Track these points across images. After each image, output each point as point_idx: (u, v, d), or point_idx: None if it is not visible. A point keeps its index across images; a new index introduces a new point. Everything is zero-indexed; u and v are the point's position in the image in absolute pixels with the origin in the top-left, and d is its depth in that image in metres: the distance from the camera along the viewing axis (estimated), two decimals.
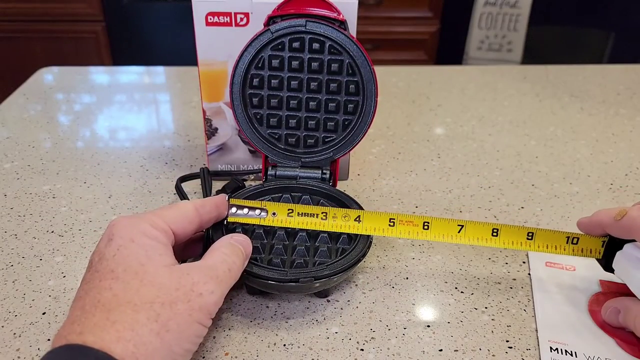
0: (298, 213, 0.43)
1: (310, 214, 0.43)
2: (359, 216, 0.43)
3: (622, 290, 0.44)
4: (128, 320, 0.30)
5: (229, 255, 0.37)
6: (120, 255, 0.33)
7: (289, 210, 0.43)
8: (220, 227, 0.43)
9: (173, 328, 0.31)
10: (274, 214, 0.43)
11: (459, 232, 0.42)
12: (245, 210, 0.43)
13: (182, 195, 0.53)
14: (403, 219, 0.43)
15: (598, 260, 0.42)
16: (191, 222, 0.38)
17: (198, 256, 0.45)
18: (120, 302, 0.31)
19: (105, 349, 0.29)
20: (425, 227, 0.42)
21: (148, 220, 0.35)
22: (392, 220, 0.43)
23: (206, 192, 0.54)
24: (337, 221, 0.43)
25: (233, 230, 0.44)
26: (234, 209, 0.43)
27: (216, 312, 0.34)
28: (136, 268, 0.32)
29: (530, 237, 0.42)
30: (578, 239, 0.42)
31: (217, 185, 0.56)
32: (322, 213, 0.43)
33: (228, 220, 0.43)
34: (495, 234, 0.42)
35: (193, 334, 0.32)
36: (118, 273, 0.32)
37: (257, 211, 0.43)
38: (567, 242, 0.42)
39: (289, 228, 0.45)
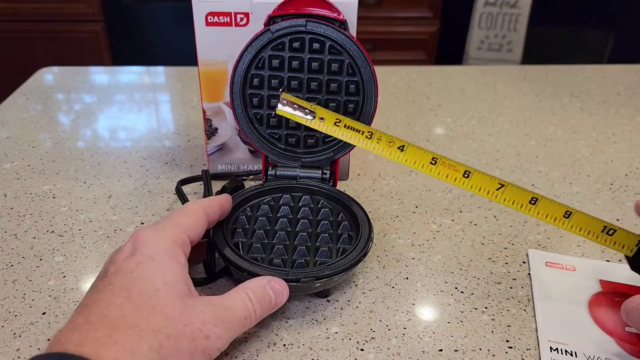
0: (345, 125, 0.43)
1: (357, 129, 0.43)
2: (403, 146, 0.43)
3: (623, 290, 0.44)
4: (130, 343, 0.30)
5: (254, 302, 0.35)
6: (137, 274, 0.32)
7: (336, 119, 0.43)
8: (220, 229, 0.43)
9: None
10: (321, 118, 0.43)
11: (497, 189, 0.41)
12: (295, 107, 0.43)
13: (183, 198, 0.53)
14: (445, 161, 0.42)
15: (627, 257, 0.41)
16: (203, 226, 0.38)
17: (200, 261, 0.45)
18: (127, 324, 0.30)
19: None
20: (466, 175, 0.41)
21: (171, 236, 0.35)
22: (434, 159, 0.42)
23: (208, 194, 0.54)
24: (381, 144, 0.42)
25: (233, 232, 0.44)
26: (284, 102, 0.43)
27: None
28: (150, 292, 0.32)
29: (567, 216, 0.41)
30: (615, 231, 0.40)
31: (217, 185, 0.56)
32: (368, 132, 0.43)
33: (277, 113, 0.44)
34: (533, 202, 0.41)
35: None
36: (132, 293, 0.31)
37: (306, 112, 0.43)
38: (602, 232, 0.40)
39: (289, 228, 0.45)
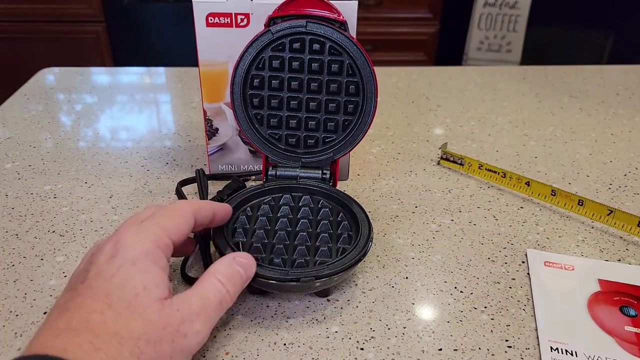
0: (486, 168, 0.57)
1: (495, 171, 0.57)
2: (528, 182, 0.54)
3: (622, 290, 0.44)
4: (112, 351, 0.30)
5: (225, 282, 0.35)
6: (118, 279, 0.32)
7: (479, 165, 0.57)
8: (221, 229, 0.43)
9: None
10: (470, 164, 0.59)
11: (607, 214, 0.50)
12: (451, 158, 0.59)
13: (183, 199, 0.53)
14: (563, 192, 0.52)
15: None
16: (188, 229, 0.38)
17: (187, 255, 0.45)
18: (109, 330, 0.30)
19: None
20: (580, 203, 0.52)
21: (154, 239, 0.34)
22: (554, 192, 0.53)
23: (202, 193, 0.54)
24: (512, 182, 0.56)
25: (234, 231, 0.44)
26: (444, 156, 0.58)
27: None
28: (130, 298, 0.32)
29: None
30: None
31: (219, 185, 0.56)
32: (502, 173, 0.56)
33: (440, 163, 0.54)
34: None
35: None
36: (112, 299, 0.31)
37: (460, 161, 0.59)
38: None
39: (289, 228, 0.45)
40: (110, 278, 0.32)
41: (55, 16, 1.81)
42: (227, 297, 0.35)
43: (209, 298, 0.34)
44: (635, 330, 0.40)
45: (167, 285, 0.34)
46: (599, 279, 0.45)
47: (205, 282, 0.35)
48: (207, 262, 0.45)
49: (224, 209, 0.42)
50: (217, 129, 0.56)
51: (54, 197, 0.55)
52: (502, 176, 0.55)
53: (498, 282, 0.45)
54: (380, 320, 0.41)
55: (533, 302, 0.43)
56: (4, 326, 0.40)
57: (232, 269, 0.37)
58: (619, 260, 0.48)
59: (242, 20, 0.50)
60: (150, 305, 0.32)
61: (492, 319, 0.42)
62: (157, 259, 0.34)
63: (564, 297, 0.44)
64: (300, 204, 0.48)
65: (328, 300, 0.43)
